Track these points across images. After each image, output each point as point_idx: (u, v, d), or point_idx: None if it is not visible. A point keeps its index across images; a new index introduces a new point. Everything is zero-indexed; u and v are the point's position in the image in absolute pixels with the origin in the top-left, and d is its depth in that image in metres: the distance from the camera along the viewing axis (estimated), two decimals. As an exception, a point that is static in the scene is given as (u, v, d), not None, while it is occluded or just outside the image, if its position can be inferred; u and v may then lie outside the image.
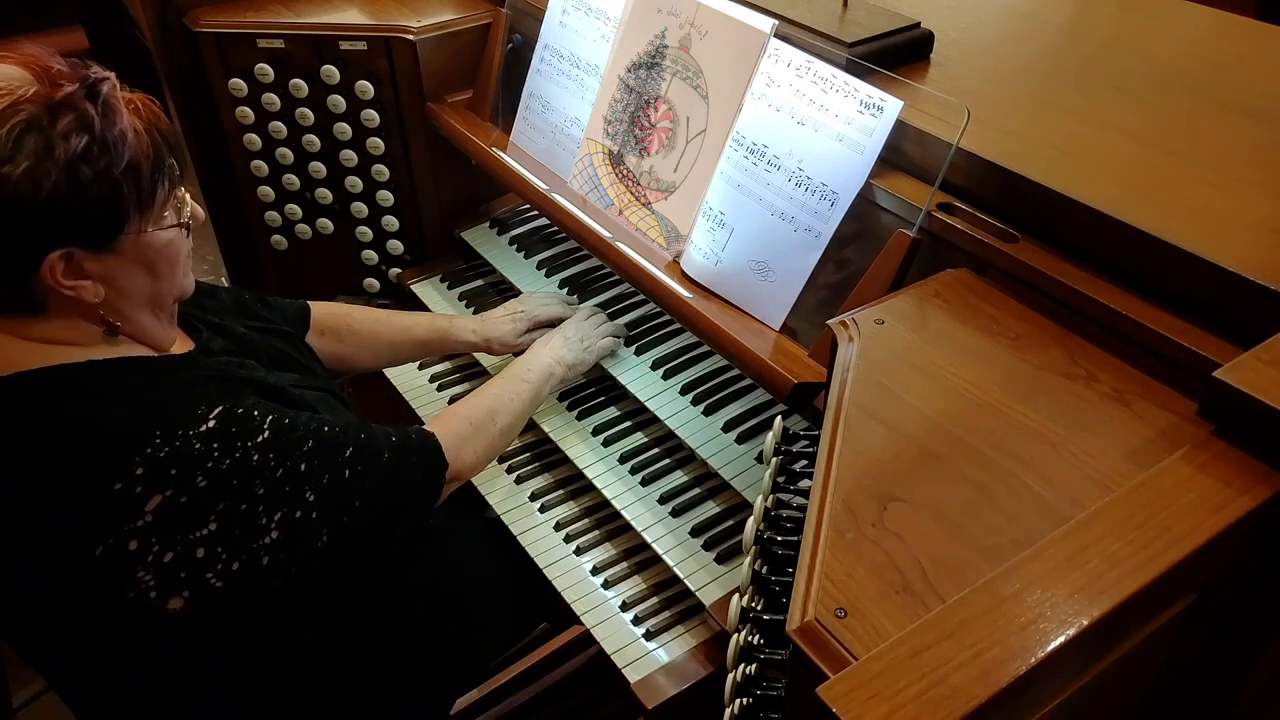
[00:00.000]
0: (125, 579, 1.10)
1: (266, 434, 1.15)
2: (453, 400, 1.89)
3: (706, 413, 1.65)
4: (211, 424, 1.12)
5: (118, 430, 1.08)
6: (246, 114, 2.04)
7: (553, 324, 1.80)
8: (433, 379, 1.96)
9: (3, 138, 1.00)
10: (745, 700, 1.06)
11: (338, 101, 2.01)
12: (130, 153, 1.09)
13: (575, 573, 1.58)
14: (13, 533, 1.10)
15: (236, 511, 1.12)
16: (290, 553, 1.18)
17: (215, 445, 1.11)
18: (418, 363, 1.99)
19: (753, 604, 1.12)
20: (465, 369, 1.97)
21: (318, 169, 2.10)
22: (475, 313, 2.01)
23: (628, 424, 1.75)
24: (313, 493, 1.18)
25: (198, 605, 1.14)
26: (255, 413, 1.16)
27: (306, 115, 2.04)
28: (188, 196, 1.22)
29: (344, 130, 2.05)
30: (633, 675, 1.43)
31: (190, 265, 1.25)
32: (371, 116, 2.02)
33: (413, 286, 2.12)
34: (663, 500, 1.60)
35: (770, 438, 1.24)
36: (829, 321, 1.20)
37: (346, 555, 1.27)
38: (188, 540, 1.11)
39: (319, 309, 1.69)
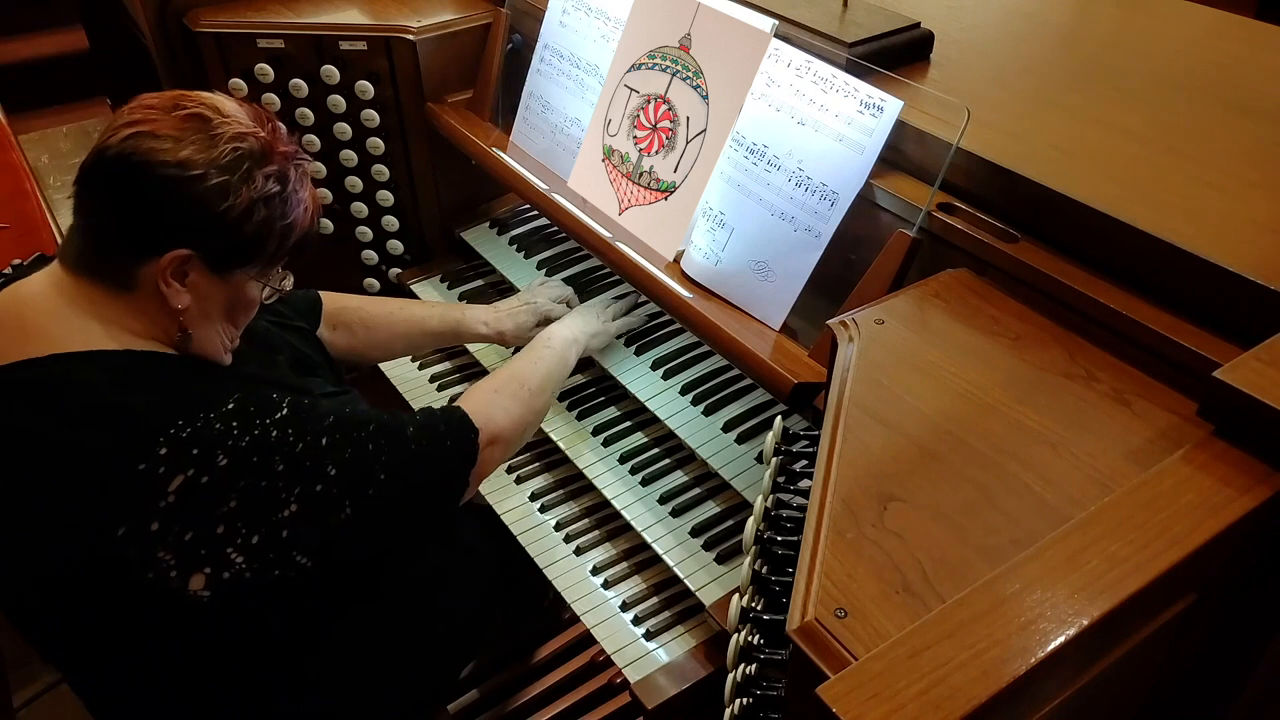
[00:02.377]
0: (146, 559, 1.12)
1: (285, 411, 1.18)
2: (452, 400, 1.89)
3: (706, 413, 1.65)
4: (231, 406, 1.15)
5: (143, 415, 1.12)
6: (246, 114, 2.04)
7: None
8: (433, 379, 1.96)
9: (224, 150, 1.15)
10: (745, 700, 1.06)
11: (338, 101, 2.01)
12: (295, 217, 1.23)
13: (575, 573, 1.58)
14: (36, 514, 1.13)
15: (256, 488, 1.15)
16: (310, 525, 1.19)
17: (235, 424, 1.14)
18: (418, 363, 2.00)
19: (753, 604, 1.12)
20: (465, 369, 1.97)
21: (318, 169, 2.10)
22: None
23: (628, 424, 1.75)
24: (334, 467, 1.20)
25: (218, 584, 1.15)
26: (274, 395, 1.20)
27: (306, 115, 2.04)
28: (290, 278, 1.33)
29: (344, 130, 2.05)
30: (633, 675, 1.43)
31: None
32: (371, 116, 2.02)
33: (413, 286, 2.12)
34: (663, 500, 1.61)
35: (770, 438, 1.24)
36: (829, 321, 1.20)
37: (383, 530, 1.28)
38: (209, 518, 1.13)
39: (331, 302, 1.71)
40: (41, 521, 1.13)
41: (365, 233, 2.19)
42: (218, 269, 1.20)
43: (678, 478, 1.65)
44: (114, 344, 1.17)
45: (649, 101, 1.64)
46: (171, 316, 1.20)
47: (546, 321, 1.79)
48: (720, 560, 1.51)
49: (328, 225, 2.18)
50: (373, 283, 2.25)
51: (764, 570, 1.14)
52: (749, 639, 1.09)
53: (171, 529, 1.11)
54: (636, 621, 1.51)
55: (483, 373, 1.92)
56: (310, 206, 1.27)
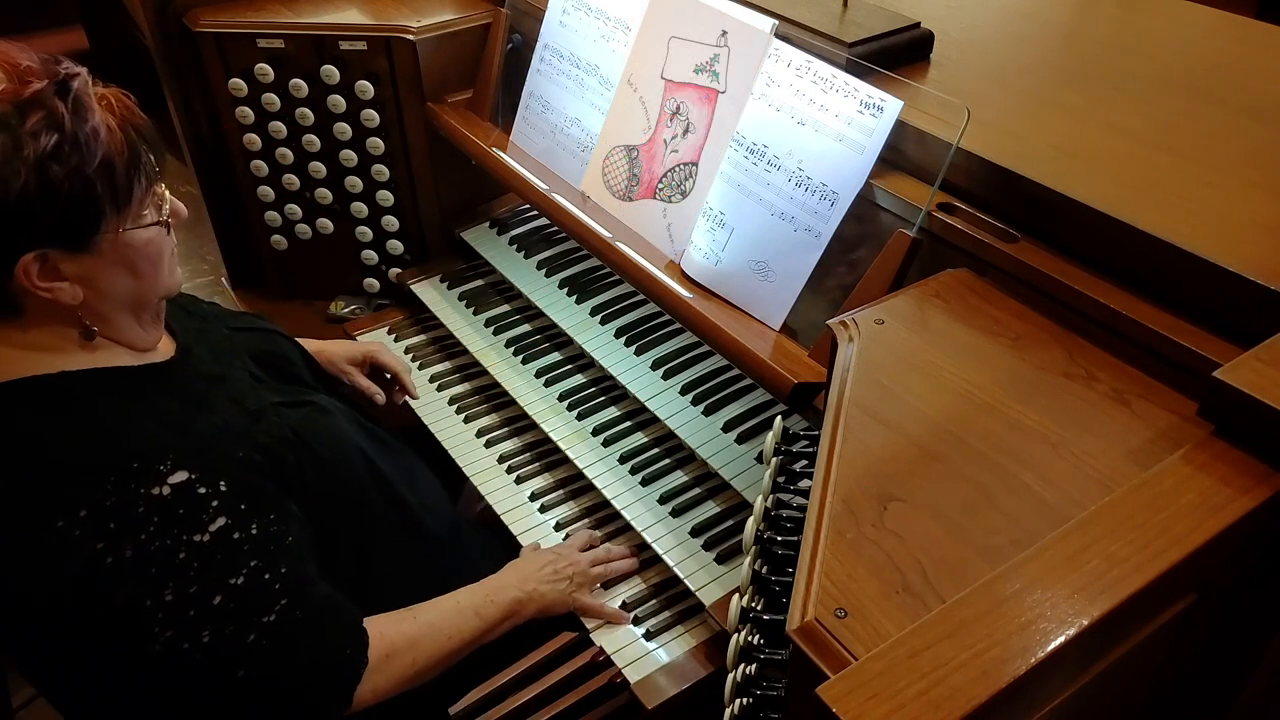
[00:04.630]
0: (54, 618, 1.08)
1: (207, 538, 1.10)
2: (453, 401, 1.90)
3: (706, 413, 1.65)
4: (166, 491, 1.08)
5: (74, 464, 1.06)
6: (246, 114, 2.04)
7: (386, 370, 1.76)
8: (433, 379, 1.96)
9: None
10: (745, 700, 1.06)
11: (338, 101, 2.01)
12: (103, 150, 1.06)
13: (575, 573, 1.58)
14: None
15: (140, 606, 1.07)
16: (163, 675, 1.12)
17: (156, 520, 1.07)
18: (418, 362, 2.00)
19: (753, 604, 1.12)
20: (465, 369, 1.97)
21: (318, 169, 2.10)
22: (475, 313, 2.02)
23: (628, 424, 1.75)
24: (210, 634, 1.11)
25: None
26: (214, 504, 1.11)
27: (306, 115, 2.04)
28: (167, 193, 1.18)
29: (344, 130, 2.05)
30: (633, 675, 1.43)
31: (175, 263, 1.22)
32: (371, 116, 2.02)
33: (413, 286, 2.12)
34: (663, 500, 1.61)
35: (770, 438, 1.24)
36: (829, 321, 1.20)
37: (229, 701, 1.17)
38: (93, 606, 1.07)
39: None
40: None
41: (365, 233, 2.19)
42: (77, 246, 1.07)
43: (678, 478, 1.65)
44: (43, 368, 1.10)
45: (651, 102, 1.64)
46: (71, 317, 1.11)
47: (374, 366, 1.74)
48: (720, 560, 1.51)
49: (327, 225, 2.18)
50: (372, 283, 2.25)
51: (764, 570, 1.14)
52: (749, 639, 1.09)
53: (66, 599, 1.06)
54: (636, 621, 1.51)
55: (483, 373, 1.92)
56: (111, 124, 1.08)
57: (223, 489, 1.13)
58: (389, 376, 1.81)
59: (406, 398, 1.84)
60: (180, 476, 1.09)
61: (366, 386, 1.71)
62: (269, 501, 1.19)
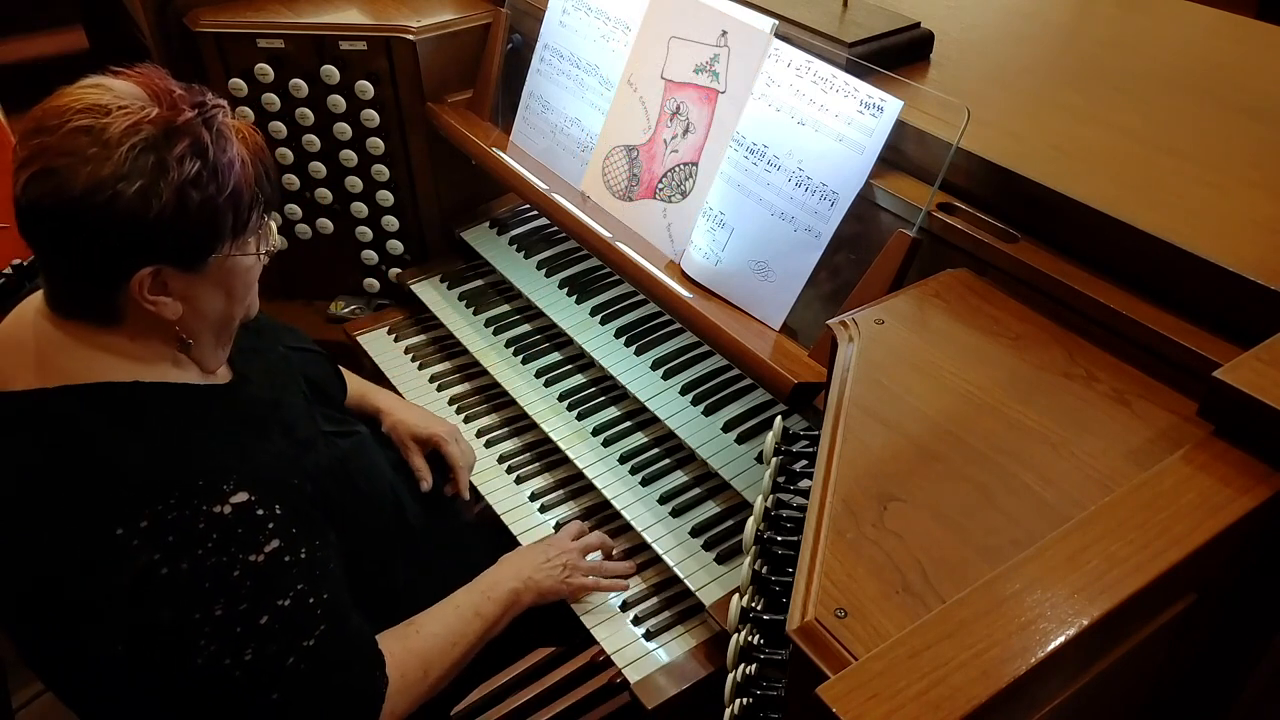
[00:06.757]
0: (98, 625, 1.08)
1: (261, 559, 1.11)
2: (453, 401, 1.90)
3: (706, 413, 1.65)
4: (227, 510, 1.09)
5: (140, 475, 1.08)
6: (246, 114, 2.04)
7: (446, 461, 1.69)
8: (432, 379, 1.96)
9: (122, 155, 1.03)
10: (745, 700, 1.06)
11: (338, 101, 2.01)
12: (235, 181, 1.13)
13: (575, 573, 1.58)
14: (21, 554, 1.10)
15: (189, 620, 1.08)
16: (199, 690, 1.12)
17: (215, 536, 1.08)
18: (418, 363, 2.00)
19: (753, 604, 1.12)
20: (465, 369, 1.97)
21: (318, 169, 2.10)
22: (475, 313, 2.02)
23: (628, 424, 1.75)
24: (252, 653, 1.11)
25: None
26: (270, 526, 1.13)
27: (306, 115, 2.04)
28: (274, 226, 1.25)
29: (344, 130, 2.05)
30: (633, 675, 1.43)
31: (257, 287, 1.27)
32: (371, 116, 2.02)
33: (412, 286, 2.12)
34: (663, 500, 1.61)
35: (770, 438, 1.24)
36: (829, 321, 1.20)
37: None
38: (141, 617, 1.08)
39: None
40: (25, 559, 1.10)
41: (365, 233, 2.19)
42: (189, 266, 1.12)
43: (678, 478, 1.65)
44: (122, 375, 1.13)
45: (651, 102, 1.64)
46: (168, 330, 1.15)
47: (428, 442, 1.67)
48: (720, 560, 1.51)
49: (327, 225, 2.18)
50: (372, 283, 2.25)
51: (764, 570, 1.14)
52: (749, 639, 1.09)
53: (119, 606, 1.07)
54: (636, 621, 1.51)
55: (483, 373, 1.92)
56: (246, 158, 1.15)
57: (278, 513, 1.14)
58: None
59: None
60: (242, 497, 1.11)
61: (419, 468, 1.67)
62: (316, 529, 1.21)
